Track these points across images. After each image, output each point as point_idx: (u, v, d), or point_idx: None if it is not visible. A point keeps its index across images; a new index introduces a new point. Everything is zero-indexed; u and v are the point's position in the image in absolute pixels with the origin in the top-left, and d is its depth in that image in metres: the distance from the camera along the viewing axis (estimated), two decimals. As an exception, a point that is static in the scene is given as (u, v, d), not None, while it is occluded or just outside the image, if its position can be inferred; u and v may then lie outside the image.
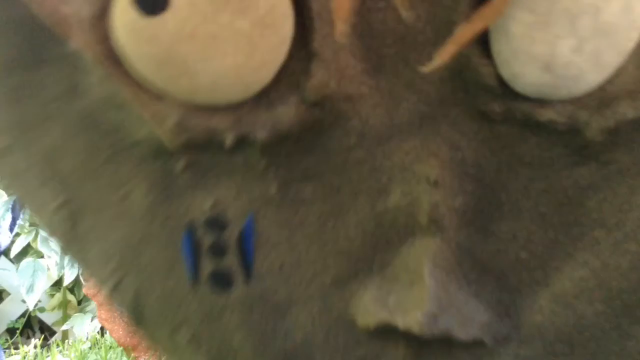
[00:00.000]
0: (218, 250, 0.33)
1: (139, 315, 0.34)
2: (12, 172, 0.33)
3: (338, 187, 0.33)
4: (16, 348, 1.52)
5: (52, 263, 1.74)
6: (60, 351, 1.42)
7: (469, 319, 0.33)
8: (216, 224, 0.33)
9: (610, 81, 0.32)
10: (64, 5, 0.28)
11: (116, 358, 1.31)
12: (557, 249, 0.35)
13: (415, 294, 0.33)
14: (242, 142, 0.31)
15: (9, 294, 1.85)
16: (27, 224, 1.77)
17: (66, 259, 1.74)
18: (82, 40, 0.28)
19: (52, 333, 1.86)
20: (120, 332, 1.24)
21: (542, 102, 0.33)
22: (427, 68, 0.29)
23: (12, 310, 1.85)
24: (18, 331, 1.79)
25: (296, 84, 0.30)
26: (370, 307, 0.33)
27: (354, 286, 0.34)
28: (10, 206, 1.21)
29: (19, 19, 0.31)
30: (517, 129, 0.34)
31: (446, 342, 0.32)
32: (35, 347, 1.46)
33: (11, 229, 1.20)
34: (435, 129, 0.33)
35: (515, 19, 0.30)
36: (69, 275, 1.74)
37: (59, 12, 0.29)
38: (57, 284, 1.82)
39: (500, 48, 0.32)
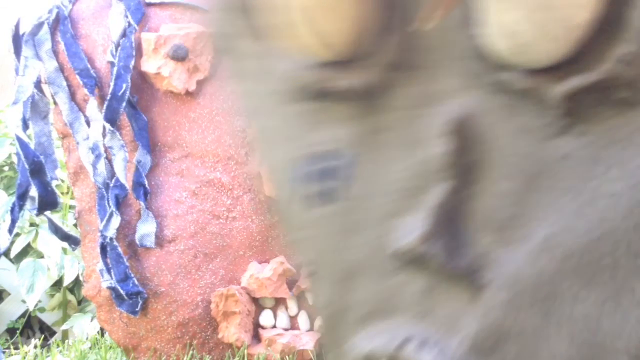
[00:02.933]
0: (324, 174, 0.46)
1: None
2: None
3: (402, 138, 0.43)
4: (16, 348, 1.51)
5: (52, 263, 1.73)
6: (60, 351, 1.42)
7: (459, 252, 0.41)
8: (328, 154, 0.45)
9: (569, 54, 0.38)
10: None
11: (116, 358, 1.31)
12: (533, 211, 0.40)
13: (420, 220, 0.41)
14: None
15: (9, 294, 1.84)
16: (27, 224, 1.76)
17: (66, 259, 1.74)
18: None
19: (52, 333, 1.86)
20: (120, 333, 1.23)
21: (515, 72, 0.39)
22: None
23: (12, 310, 1.84)
24: (18, 331, 1.78)
25: None
26: (399, 237, 0.42)
27: (395, 221, 0.43)
28: (10, 208, 1.20)
29: None
30: (512, 101, 0.40)
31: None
32: (35, 347, 1.45)
33: (10, 231, 1.20)
34: (463, 101, 0.42)
35: None
36: (69, 275, 1.74)
37: None
38: (57, 284, 1.82)
39: (482, 19, 0.39)
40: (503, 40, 0.38)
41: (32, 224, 1.76)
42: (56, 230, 1.34)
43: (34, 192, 1.23)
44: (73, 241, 1.36)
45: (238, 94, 0.51)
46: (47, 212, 1.29)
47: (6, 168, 1.93)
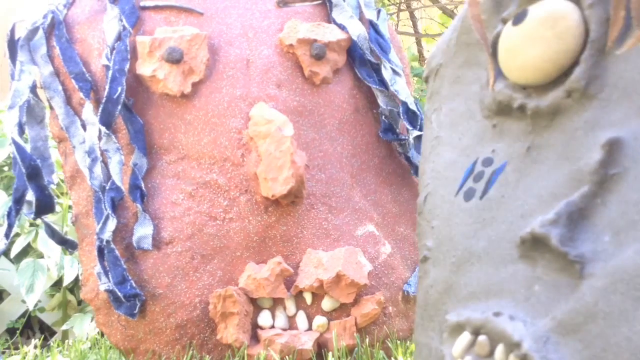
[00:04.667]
0: (479, 176, 0.57)
1: None
2: None
3: (559, 153, 0.51)
4: (16, 348, 1.52)
5: (52, 263, 1.74)
6: (60, 351, 1.42)
7: (576, 243, 0.47)
8: (489, 161, 0.57)
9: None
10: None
11: (116, 358, 1.31)
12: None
13: (549, 213, 0.49)
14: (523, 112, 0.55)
15: (9, 294, 1.85)
16: (27, 224, 1.77)
17: (66, 259, 1.74)
18: None
19: (52, 333, 1.86)
20: (119, 336, 1.24)
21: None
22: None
23: (12, 310, 1.85)
24: (18, 331, 1.79)
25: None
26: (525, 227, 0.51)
27: (528, 219, 0.51)
28: (7, 212, 1.20)
29: None
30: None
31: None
32: (35, 347, 1.46)
33: (7, 236, 1.20)
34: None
35: None
36: (69, 275, 1.74)
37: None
38: (57, 284, 1.83)
39: None
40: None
41: (32, 224, 1.77)
42: (53, 234, 1.34)
43: (30, 196, 1.23)
44: (70, 245, 1.36)
45: (442, 112, 0.64)
46: (45, 216, 1.29)
47: (6, 168, 1.93)
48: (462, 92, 0.61)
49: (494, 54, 0.57)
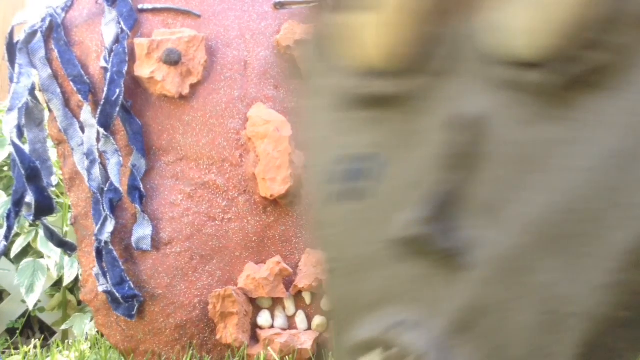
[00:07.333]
0: (352, 175, 0.51)
1: None
2: None
3: (421, 138, 0.47)
4: (16, 348, 1.52)
5: (52, 263, 1.74)
6: (60, 351, 1.42)
7: (450, 235, 0.44)
8: (359, 157, 0.51)
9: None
10: None
11: (116, 359, 1.32)
12: (517, 193, 0.44)
13: (416, 208, 0.45)
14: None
15: (9, 294, 1.85)
16: (27, 224, 1.77)
17: (66, 259, 1.75)
18: None
19: (52, 333, 1.87)
20: (118, 337, 1.24)
21: (517, 69, 0.44)
22: None
23: (12, 310, 1.85)
24: (18, 331, 1.79)
25: None
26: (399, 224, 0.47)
27: (399, 213, 0.47)
28: (6, 214, 1.21)
29: None
30: (512, 96, 0.45)
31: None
32: (35, 347, 1.46)
33: (7, 238, 1.21)
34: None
35: None
36: (69, 275, 1.74)
37: None
38: (57, 284, 1.83)
39: (489, 22, 0.45)
40: (505, 39, 0.44)
41: (32, 225, 1.77)
42: (52, 236, 1.34)
43: (29, 198, 1.23)
44: (69, 247, 1.37)
45: (301, 111, 0.59)
46: (44, 218, 1.29)
47: (6, 168, 1.93)
48: (324, 88, 0.55)
49: (336, 45, 0.51)
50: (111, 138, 1.21)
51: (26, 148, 1.25)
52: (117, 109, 1.20)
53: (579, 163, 0.42)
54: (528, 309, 0.42)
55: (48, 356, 1.39)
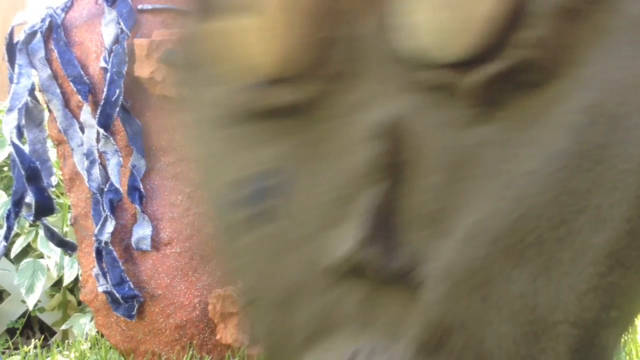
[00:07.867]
0: (256, 196, 0.45)
1: None
2: None
3: (334, 148, 0.43)
4: (16, 348, 1.53)
5: (52, 263, 1.74)
6: (60, 351, 1.43)
7: (394, 254, 0.41)
8: (263, 176, 0.45)
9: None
10: None
11: (116, 359, 1.32)
12: (459, 200, 0.41)
13: (352, 228, 0.41)
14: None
15: (9, 294, 1.85)
16: (27, 224, 1.77)
17: (66, 259, 1.75)
18: None
19: (52, 333, 1.87)
20: (118, 337, 1.24)
21: (431, 69, 0.40)
22: None
23: (12, 311, 1.85)
24: (18, 331, 1.79)
25: None
26: (333, 249, 0.42)
27: (329, 234, 0.43)
28: (6, 215, 1.21)
29: None
30: (432, 98, 0.41)
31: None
32: (35, 347, 1.47)
33: (6, 239, 1.21)
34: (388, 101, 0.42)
35: None
36: (69, 275, 1.74)
37: None
38: (57, 284, 1.83)
39: (397, 22, 0.41)
40: (416, 40, 0.40)
41: (32, 225, 1.77)
42: (52, 236, 1.35)
43: (29, 198, 1.24)
44: (69, 247, 1.37)
45: (182, 126, 0.53)
46: (44, 218, 1.30)
47: (6, 168, 1.93)
48: (206, 101, 0.49)
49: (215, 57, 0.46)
50: (111, 138, 1.21)
51: (26, 148, 1.25)
52: (117, 109, 1.20)
53: (525, 167, 0.39)
54: (509, 321, 0.39)
55: (48, 356, 1.39)
